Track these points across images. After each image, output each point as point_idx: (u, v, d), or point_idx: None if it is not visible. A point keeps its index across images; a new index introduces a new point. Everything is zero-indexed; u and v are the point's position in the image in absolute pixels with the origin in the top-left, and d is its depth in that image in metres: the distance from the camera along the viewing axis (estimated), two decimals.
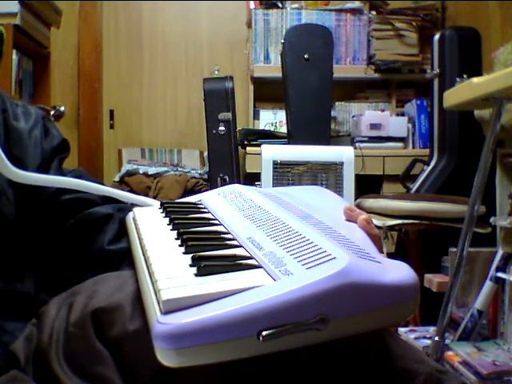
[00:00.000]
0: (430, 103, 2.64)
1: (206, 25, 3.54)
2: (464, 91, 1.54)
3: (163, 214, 0.72)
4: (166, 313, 0.45)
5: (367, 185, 2.76)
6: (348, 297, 0.46)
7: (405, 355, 0.57)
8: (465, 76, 1.71)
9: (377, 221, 2.03)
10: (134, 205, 0.81)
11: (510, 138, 1.95)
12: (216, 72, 3.21)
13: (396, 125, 2.97)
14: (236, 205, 0.71)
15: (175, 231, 0.62)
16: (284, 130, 2.97)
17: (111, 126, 3.55)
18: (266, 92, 3.24)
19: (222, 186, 0.84)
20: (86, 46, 3.46)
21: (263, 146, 2.38)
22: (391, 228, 2.21)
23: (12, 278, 0.71)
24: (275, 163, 2.32)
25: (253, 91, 3.23)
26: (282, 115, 3.11)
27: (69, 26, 3.25)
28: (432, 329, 1.92)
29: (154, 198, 2.81)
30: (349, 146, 2.67)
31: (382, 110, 3.16)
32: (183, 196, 2.66)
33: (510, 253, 1.81)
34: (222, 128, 2.69)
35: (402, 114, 3.19)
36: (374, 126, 2.94)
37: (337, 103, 3.23)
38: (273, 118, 3.30)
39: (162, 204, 0.76)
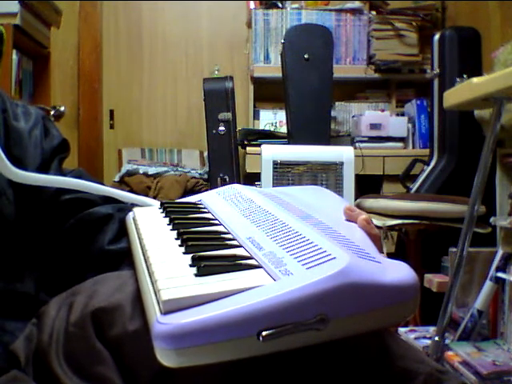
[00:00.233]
0: (430, 103, 2.64)
1: (206, 25, 3.54)
2: (464, 91, 1.54)
3: (163, 214, 0.72)
4: (165, 313, 0.45)
5: (367, 185, 2.76)
6: (348, 297, 0.46)
7: (405, 355, 0.57)
8: (465, 76, 1.71)
9: (377, 221, 2.03)
10: (133, 205, 0.80)
11: (510, 138, 1.95)
12: (216, 72, 3.21)
13: (396, 125, 2.97)
14: (236, 205, 0.71)
15: (175, 231, 0.62)
16: (284, 130, 2.97)
17: (111, 126, 3.55)
18: (266, 92, 3.24)
19: (222, 185, 0.84)
20: (86, 46, 3.46)
21: (263, 146, 2.38)
22: (391, 228, 2.21)
23: (12, 278, 0.71)
24: (275, 163, 2.32)
25: (253, 91, 3.23)
26: (282, 115, 3.11)
27: (69, 26, 3.25)
28: (432, 329, 1.92)
29: (154, 197, 2.81)
30: (349, 145, 2.67)
31: (382, 110, 3.16)
32: (183, 196, 2.66)
33: (510, 253, 1.81)
34: (222, 128, 2.69)
35: (402, 114, 3.19)
36: (373, 126, 2.94)
37: (337, 103, 3.23)
38: (273, 118, 3.30)
39: (162, 204, 0.76)
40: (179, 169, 3.21)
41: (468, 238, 1.53)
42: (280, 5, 3.18)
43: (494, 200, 1.96)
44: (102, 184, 0.79)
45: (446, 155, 2.43)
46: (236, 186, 0.80)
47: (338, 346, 0.54)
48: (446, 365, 1.65)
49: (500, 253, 1.84)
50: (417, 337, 1.94)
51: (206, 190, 0.86)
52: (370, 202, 2.19)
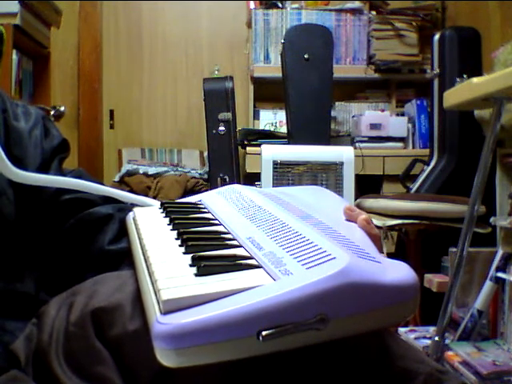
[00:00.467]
0: (430, 103, 2.64)
1: (206, 25, 3.54)
2: (464, 91, 1.54)
3: (163, 214, 0.72)
4: (165, 313, 0.45)
5: (367, 185, 2.76)
6: (348, 297, 0.46)
7: (405, 355, 0.57)
8: (465, 76, 1.71)
9: (377, 221, 2.03)
10: (133, 205, 0.81)
11: (510, 138, 1.95)
12: (216, 72, 3.21)
13: (396, 125, 2.97)
14: (236, 205, 0.71)
15: (175, 231, 0.62)
16: (284, 130, 2.97)
17: (111, 126, 3.55)
18: (266, 92, 3.24)
19: (222, 185, 0.84)
20: (86, 46, 3.46)
21: (263, 146, 2.38)
22: (391, 228, 2.21)
23: (12, 278, 0.71)
24: (275, 163, 2.32)
25: (253, 91, 3.23)
26: (282, 115, 3.11)
27: (69, 26, 3.25)
28: (432, 329, 1.92)
29: (154, 197, 2.81)
30: (349, 145, 2.67)
31: (382, 110, 3.16)
32: (183, 196, 2.66)
33: (510, 253, 1.81)
34: (222, 128, 2.69)
35: (402, 114, 3.19)
36: (374, 126, 2.94)
37: (337, 103, 3.23)
38: (273, 118, 3.30)
39: (162, 204, 0.76)
40: (179, 169, 3.21)
41: (468, 238, 1.53)
42: (280, 5, 3.18)
43: (494, 200, 1.96)
44: (102, 184, 0.79)
45: (446, 155, 2.43)
46: (236, 186, 0.80)
47: (338, 346, 0.54)
48: (446, 365, 1.65)
49: (500, 253, 1.84)
50: (417, 337, 1.94)
51: (206, 190, 0.86)
52: (370, 202, 2.19)
